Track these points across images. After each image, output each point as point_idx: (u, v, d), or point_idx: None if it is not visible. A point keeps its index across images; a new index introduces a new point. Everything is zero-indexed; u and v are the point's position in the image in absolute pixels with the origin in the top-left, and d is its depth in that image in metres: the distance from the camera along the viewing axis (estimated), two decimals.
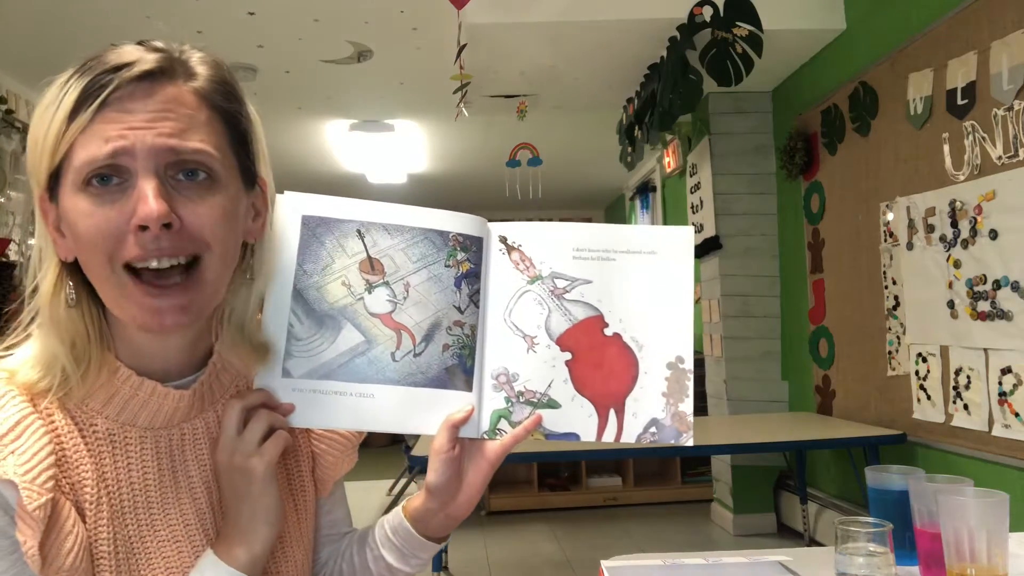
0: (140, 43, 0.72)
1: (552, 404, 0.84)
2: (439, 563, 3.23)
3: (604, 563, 1.10)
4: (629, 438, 0.83)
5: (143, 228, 0.66)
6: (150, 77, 0.69)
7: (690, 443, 0.83)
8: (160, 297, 0.69)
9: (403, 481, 5.16)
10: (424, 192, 7.56)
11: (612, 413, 0.84)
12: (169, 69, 0.70)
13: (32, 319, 0.73)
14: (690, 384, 0.84)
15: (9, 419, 0.68)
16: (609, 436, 0.84)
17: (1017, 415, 2.45)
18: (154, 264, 0.68)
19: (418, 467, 3.38)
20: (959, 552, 0.96)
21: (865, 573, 0.95)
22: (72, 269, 0.73)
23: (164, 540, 0.75)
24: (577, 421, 0.84)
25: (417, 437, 4.19)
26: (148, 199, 0.66)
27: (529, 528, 4.54)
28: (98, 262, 0.69)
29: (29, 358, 0.72)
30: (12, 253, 3.83)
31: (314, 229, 0.81)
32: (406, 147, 5.97)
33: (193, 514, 0.77)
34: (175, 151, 0.68)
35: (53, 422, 0.71)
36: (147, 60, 0.69)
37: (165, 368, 0.77)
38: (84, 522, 0.71)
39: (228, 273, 0.75)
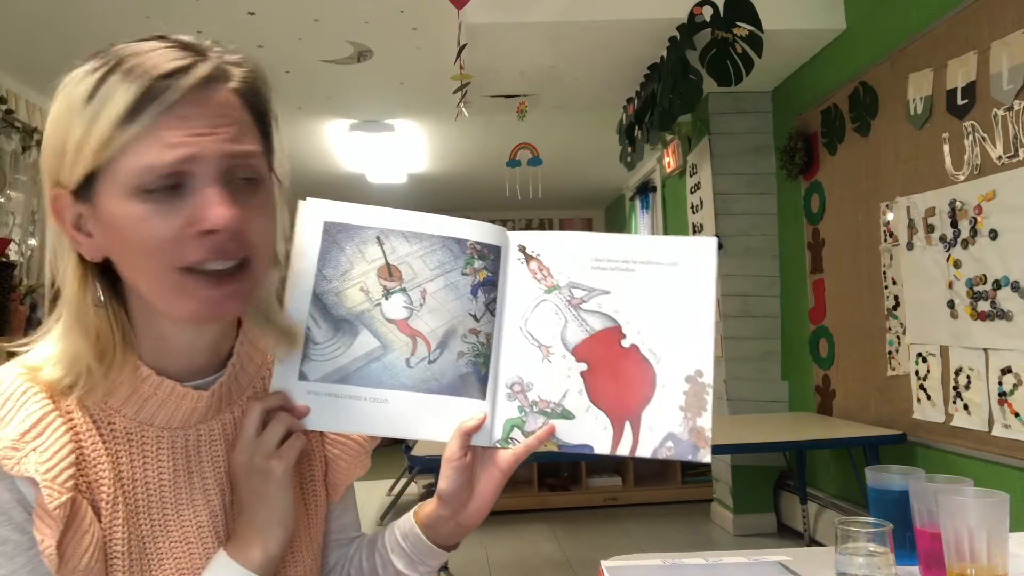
0: (161, 37, 0.71)
1: (566, 415, 0.83)
2: None
3: (604, 563, 1.10)
4: (645, 451, 0.81)
5: (207, 233, 0.67)
6: (204, 83, 0.69)
7: (707, 459, 0.80)
8: (218, 288, 0.70)
9: (403, 481, 5.16)
10: (424, 192, 7.55)
11: (628, 425, 0.82)
12: (220, 74, 0.70)
13: (51, 317, 0.73)
14: (709, 398, 0.82)
15: (31, 416, 0.68)
16: (624, 449, 0.82)
17: (1017, 415, 2.45)
18: (212, 266, 0.69)
19: (418, 467, 3.38)
20: (959, 552, 0.96)
21: (865, 573, 0.95)
22: (96, 268, 0.72)
23: (176, 541, 0.75)
24: (592, 433, 0.82)
25: None
26: (218, 205, 0.67)
27: (529, 528, 4.54)
28: (152, 266, 0.69)
29: (52, 356, 0.72)
30: (12, 253, 3.83)
31: (335, 235, 0.82)
32: (406, 147, 5.97)
33: (206, 516, 0.77)
34: (234, 156, 0.69)
35: (72, 420, 0.71)
36: (201, 68, 0.69)
37: (188, 368, 0.77)
38: (99, 521, 0.71)
39: (271, 266, 0.76)
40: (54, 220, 0.71)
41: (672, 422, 0.81)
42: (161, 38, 0.71)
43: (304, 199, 0.83)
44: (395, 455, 6.57)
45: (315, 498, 0.87)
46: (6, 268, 3.61)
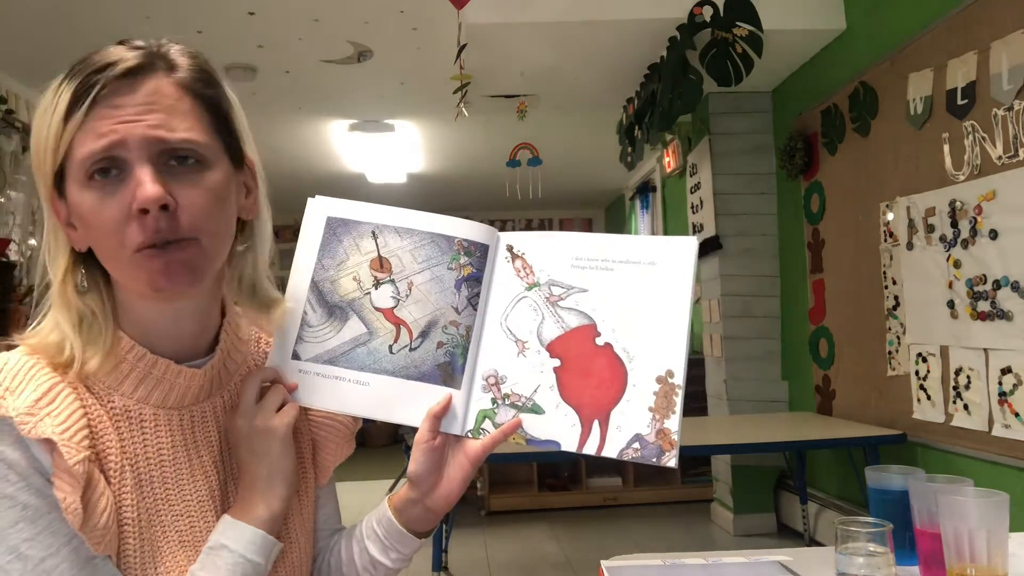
0: (122, 42, 0.76)
1: (536, 409, 0.85)
2: (439, 563, 3.23)
3: (604, 563, 1.10)
4: (611, 452, 0.82)
5: (144, 212, 0.71)
6: (132, 73, 0.73)
7: (672, 464, 0.80)
8: (164, 255, 0.72)
9: (403, 481, 5.16)
10: (424, 192, 7.55)
11: (596, 424, 0.83)
12: (149, 64, 0.75)
13: (39, 306, 0.78)
14: (679, 400, 0.81)
15: (41, 386, 0.71)
16: (591, 448, 0.82)
17: (1017, 415, 2.45)
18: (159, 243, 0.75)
19: None
20: (959, 552, 0.97)
21: (865, 573, 0.95)
22: (84, 257, 0.78)
23: (178, 514, 0.78)
24: (560, 429, 0.84)
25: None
26: (145, 184, 0.71)
27: (529, 528, 4.54)
28: (112, 248, 0.73)
29: (42, 339, 0.76)
30: (12, 253, 3.83)
31: (335, 229, 0.88)
32: (406, 147, 5.97)
33: (206, 490, 0.81)
34: (163, 140, 0.73)
35: (77, 393, 0.75)
36: (129, 58, 0.73)
37: (175, 351, 0.80)
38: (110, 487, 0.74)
39: (225, 247, 0.80)
40: (52, 218, 0.77)
41: (640, 423, 0.82)
42: (122, 43, 0.76)
43: (313, 197, 0.90)
44: (395, 455, 6.59)
45: (305, 481, 0.91)
46: (6, 268, 3.61)
